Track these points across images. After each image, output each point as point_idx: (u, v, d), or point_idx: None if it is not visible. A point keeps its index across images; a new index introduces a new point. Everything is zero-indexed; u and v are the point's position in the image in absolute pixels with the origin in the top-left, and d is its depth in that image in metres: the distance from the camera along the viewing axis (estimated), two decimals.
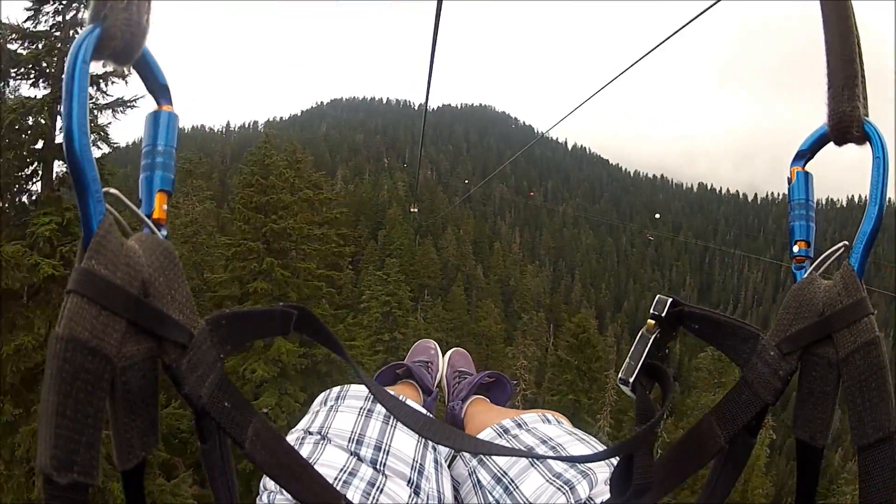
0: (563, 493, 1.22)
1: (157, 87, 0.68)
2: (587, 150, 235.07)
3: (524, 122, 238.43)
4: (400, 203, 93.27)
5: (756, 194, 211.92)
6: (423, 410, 1.57)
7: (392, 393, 1.25)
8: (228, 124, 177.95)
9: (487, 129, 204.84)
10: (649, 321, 0.84)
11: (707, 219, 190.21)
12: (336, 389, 1.54)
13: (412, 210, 59.95)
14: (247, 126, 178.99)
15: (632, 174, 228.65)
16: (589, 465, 1.26)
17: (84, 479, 0.51)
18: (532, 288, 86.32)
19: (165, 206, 0.68)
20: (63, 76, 0.53)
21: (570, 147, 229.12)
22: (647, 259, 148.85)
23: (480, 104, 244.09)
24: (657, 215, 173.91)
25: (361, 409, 1.43)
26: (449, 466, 1.56)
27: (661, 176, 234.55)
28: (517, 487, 1.30)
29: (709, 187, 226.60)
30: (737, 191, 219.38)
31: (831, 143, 0.74)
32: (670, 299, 0.83)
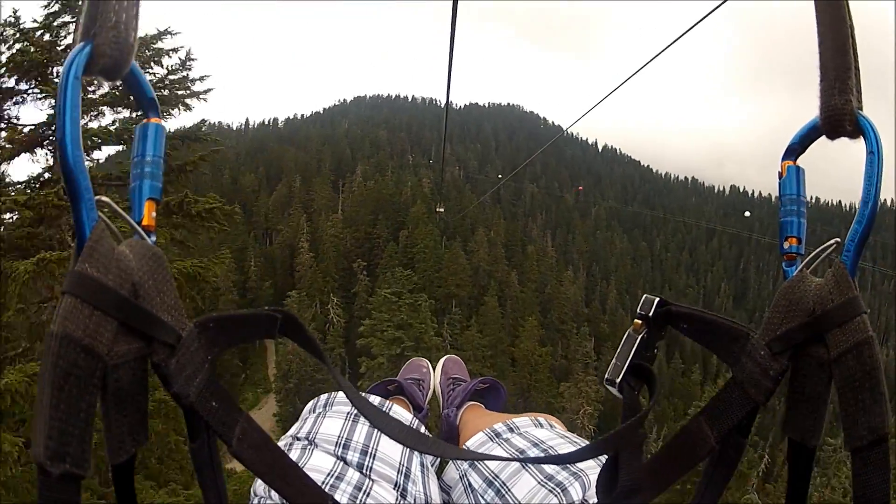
0: (556, 495, 1.22)
1: (145, 101, 0.69)
2: (618, 151, 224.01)
3: (553, 122, 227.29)
4: (425, 201, 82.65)
5: None
6: (409, 417, 1.65)
7: (375, 403, 1.28)
8: (247, 121, 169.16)
9: (516, 129, 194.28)
10: (636, 321, 0.83)
11: (742, 223, 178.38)
12: (324, 397, 1.55)
13: (438, 210, 50.72)
14: (267, 123, 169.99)
15: (662, 176, 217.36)
16: (581, 466, 1.26)
17: (76, 470, 0.52)
18: (570, 296, 74.62)
19: (154, 214, 0.70)
20: (56, 91, 0.55)
21: (600, 148, 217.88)
22: (683, 264, 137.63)
23: (508, 103, 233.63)
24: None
25: (348, 414, 1.45)
26: (441, 470, 1.60)
27: (692, 178, 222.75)
28: (509, 490, 1.31)
29: (741, 190, 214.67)
30: (769, 194, 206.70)
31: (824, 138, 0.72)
32: (657, 299, 0.82)
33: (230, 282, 64.93)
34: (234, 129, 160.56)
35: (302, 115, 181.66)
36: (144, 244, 0.65)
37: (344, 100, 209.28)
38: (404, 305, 27.53)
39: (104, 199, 0.61)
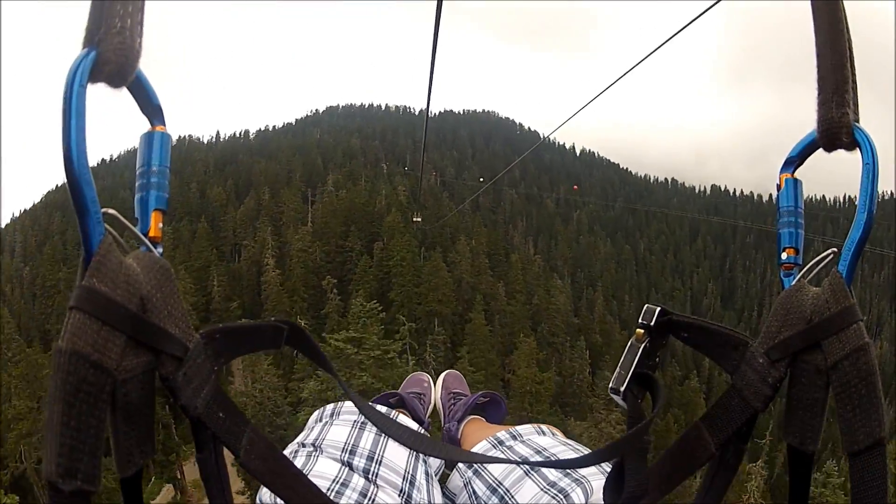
0: (558, 502, 1.23)
1: (151, 109, 0.68)
2: (596, 155, 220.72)
3: (530, 128, 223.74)
4: (400, 210, 76.51)
5: (771, 195, 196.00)
6: (415, 426, 1.63)
7: (382, 411, 1.33)
8: (218, 134, 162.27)
9: (493, 135, 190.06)
10: (638, 330, 0.83)
11: (725, 221, 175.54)
12: (330, 406, 1.58)
13: (415, 220, 45.59)
14: (237, 135, 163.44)
15: (642, 177, 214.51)
16: (583, 473, 1.28)
17: (87, 486, 0.51)
18: (560, 307, 68.95)
19: (161, 225, 0.69)
20: (61, 100, 0.54)
21: (577, 152, 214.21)
22: (668, 266, 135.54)
23: (484, 110, 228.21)
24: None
25: (355, 422, 1.47)
26: (445, 480, 1.63)
27: (672, 179, 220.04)
28: (512, 497, 1.33)
29: (722, 189, 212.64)
30: (751, 192, 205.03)
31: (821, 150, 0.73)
32: (658, 308, 0.83)
33: (188, 304, 58.56)
34: (205, 142, 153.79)
35: (273, 127, 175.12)
36: (152, 256, 0.65)
37: (316, 110, 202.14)
38: (368, 360, 20.48)
39: (111, 211, 0.60)
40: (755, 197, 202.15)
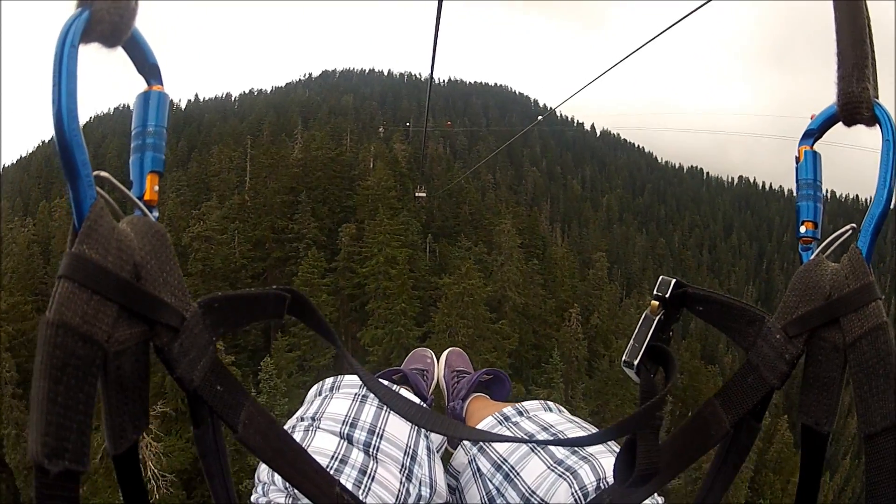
0: (565, 480, 1.18)
1: (148, 68, 0.65)
2: (619, 136, 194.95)
3: (545, 105, 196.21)
4: (394, 170, 46.15)
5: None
6: (417, 400, 1.55)
7: (385, 383, 1.25)
8: (196, 97, 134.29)
9: (508, 107, 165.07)
10: (653, 302, 0.80)
11: (759, 217, 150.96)
12: (329, 380, 1.51)
13: (419, 194, 29.67)
14: (219, 97, 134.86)
15: (664, 164, 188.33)
16: (590, 451, 1.23)
17: (75, 466, 0.47)
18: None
19: (157, 188, 0.66)
20: (52, 61, 0.50)
21: (598, 132, 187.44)
22: (704, 264, 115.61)
23: (496, 83, 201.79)
24: None
25: (356, 395, 1.40)
26: (448, 456, 1.60)
27: (700, 168, 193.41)
28: (518, 474, 1.27)
29: (751, 181, 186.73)
30: (780, 186, 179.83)
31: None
32: (674, 280, 0.81)
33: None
34: (183, 108, 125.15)
35: (260, 91, 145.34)
36: (147, 221, 0.61)
37: (309, 74, 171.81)
38: None
39: (103, 174, 0.56)
40: (786, 192, 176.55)
